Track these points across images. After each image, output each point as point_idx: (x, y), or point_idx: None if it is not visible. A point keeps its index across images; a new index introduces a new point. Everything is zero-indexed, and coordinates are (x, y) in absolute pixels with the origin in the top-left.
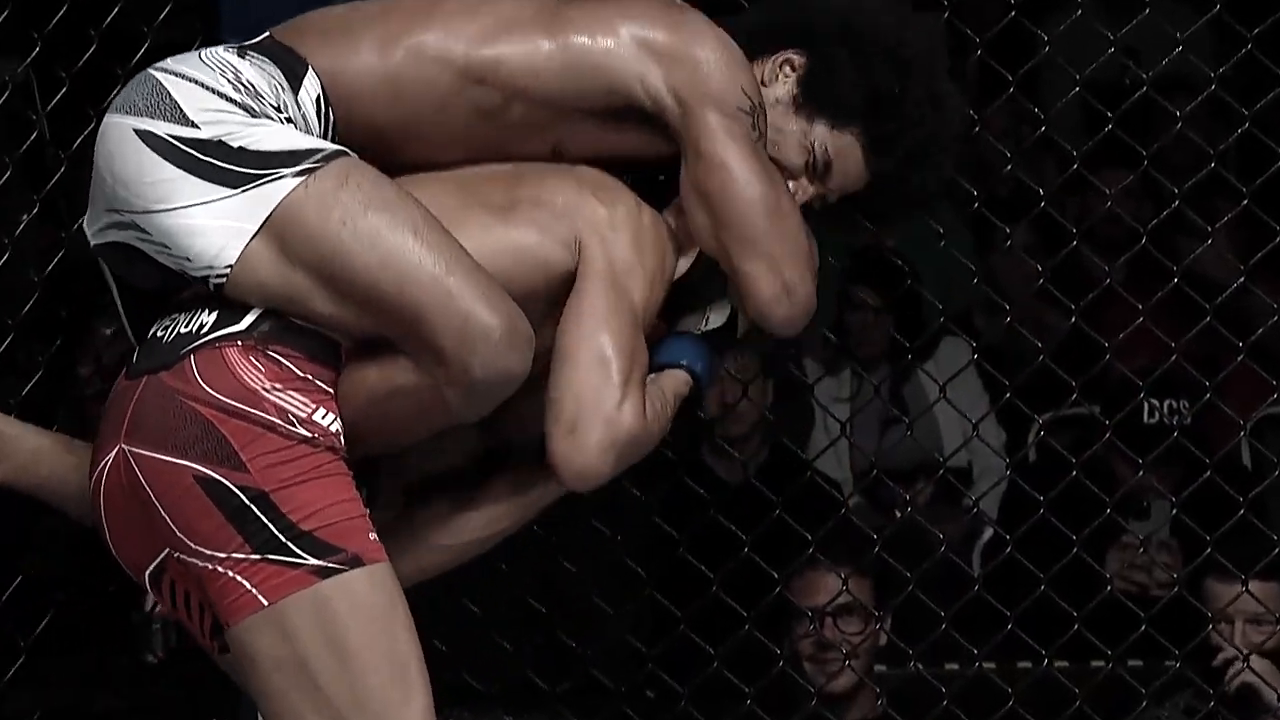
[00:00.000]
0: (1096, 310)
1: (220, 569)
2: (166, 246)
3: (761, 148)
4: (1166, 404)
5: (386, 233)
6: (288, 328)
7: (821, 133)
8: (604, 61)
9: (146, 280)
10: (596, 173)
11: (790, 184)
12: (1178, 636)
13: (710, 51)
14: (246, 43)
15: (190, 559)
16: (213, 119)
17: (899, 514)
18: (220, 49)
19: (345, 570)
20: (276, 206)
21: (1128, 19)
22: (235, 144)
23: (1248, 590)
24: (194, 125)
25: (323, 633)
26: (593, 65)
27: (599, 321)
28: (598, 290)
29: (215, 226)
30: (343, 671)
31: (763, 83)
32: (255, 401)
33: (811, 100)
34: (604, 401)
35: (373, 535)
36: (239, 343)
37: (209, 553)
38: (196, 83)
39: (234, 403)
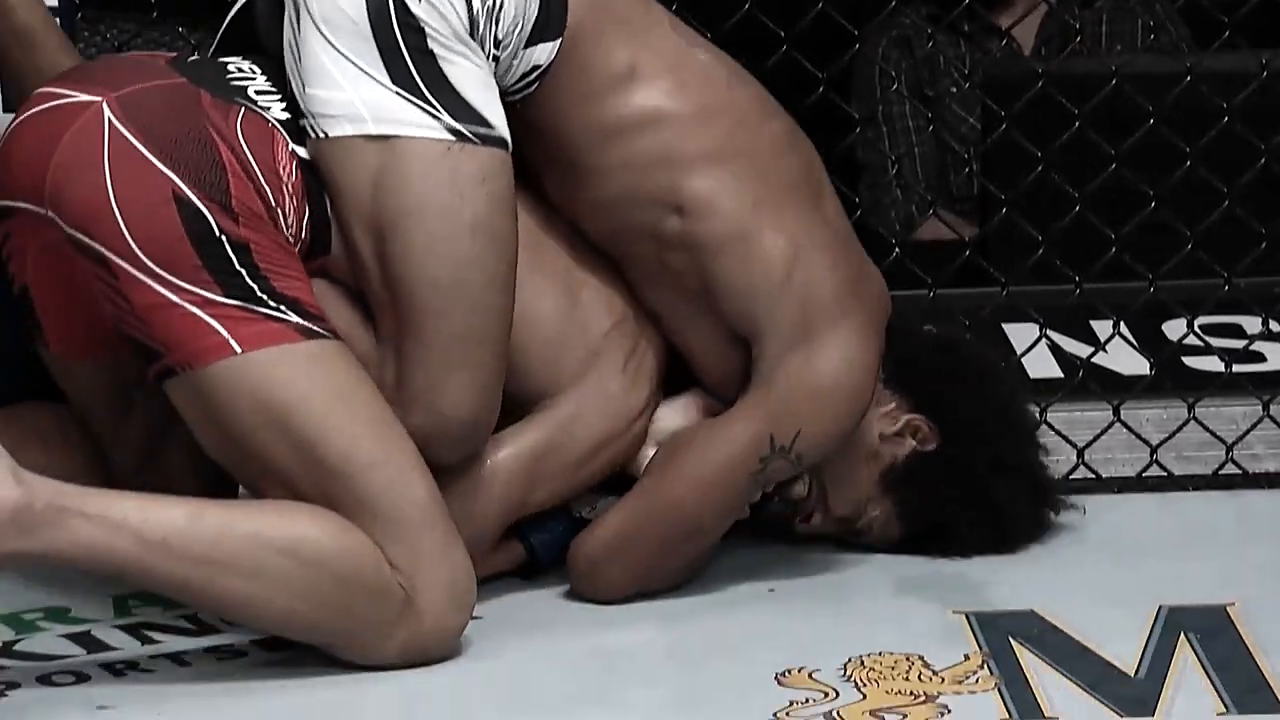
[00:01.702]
0: None
1: (179, 301)
2: (299, 59)
3: (750, 488)
4: None
5: (465, 265)
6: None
7: (877, 505)
8: (764, 299)
9: (268, 39)
10: (655, 349)
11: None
12: None
13: (829, 382)
14: None
15: (135, 272)
16: (435, 6)
17: None
18: None
19: (330, 339)
20: (404, 137)
21: None
22: (429, 46)
23: None
24: None
25: (312, 385)
26: (757, 292)
27: (467, 504)
28: (505, 473)
29: (345, 96)
30: (335, 420)
31: (882, 417)
32: (275, 184)
33: (894, 489)
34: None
35: None
36: (296, 154)
37: (168, 277)
38: None
39: (256, 167)
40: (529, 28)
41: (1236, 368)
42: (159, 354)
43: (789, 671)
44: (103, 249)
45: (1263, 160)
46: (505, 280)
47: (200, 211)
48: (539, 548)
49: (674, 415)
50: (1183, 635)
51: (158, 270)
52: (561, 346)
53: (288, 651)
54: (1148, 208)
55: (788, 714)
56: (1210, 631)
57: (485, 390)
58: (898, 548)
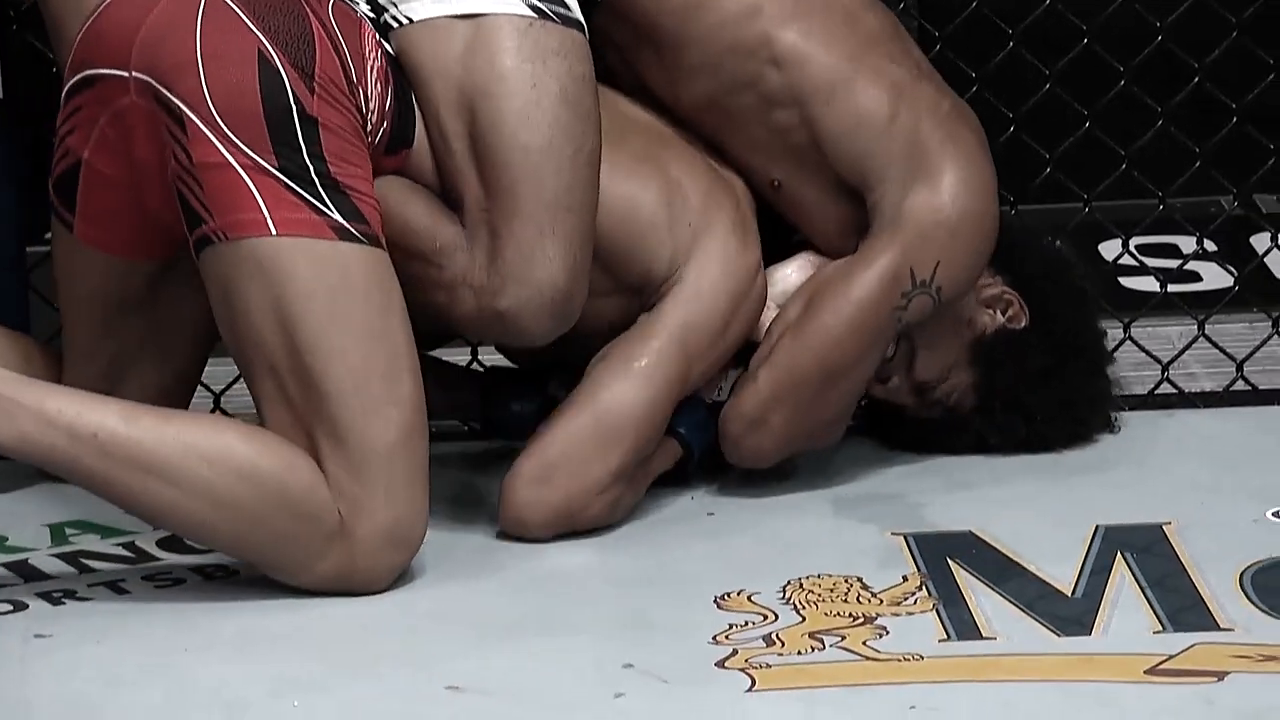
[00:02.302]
0: None
1: (234, 162)
2: None
3: (892, 327)
4: None
5: (556, 132)
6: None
7: (960, 373)
8: (874, 142)
9: None
10: (749, 204)
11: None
12: None
13: (957, 209)
14: None
15: (203, 127)
16: None
17: None
18: None
19: (365, 244)
20: (488, 14)
21: None
22: None
23: None
24: None
25: (325, 291)
26: (867, 135)
27: (639, 393)
28: (663, 355)
29: None
30: (333, 333)
31: (980, 287)
32: (359, 65)
33: (979, 360)
34: (587, 482)
35: None
36: (381, 44)
37: (230, 135)
38: None
39: (344, 45)
40: None
41: (1172, 287)
42: (202, 219)
43: (728, 595)
44: (181, 104)
45: (1196, 80)
46: (591, 155)
47: (280, 75)
48: (688, 434)
49: (789, 276)
50: (1119, 554)
51: (222, 126)
52: (670, 225)
53: (226, 579)
54: (1083, 128)
55: (727, 637)
56: (1147, 550)
57: (577, 259)
58: (890, 436)
